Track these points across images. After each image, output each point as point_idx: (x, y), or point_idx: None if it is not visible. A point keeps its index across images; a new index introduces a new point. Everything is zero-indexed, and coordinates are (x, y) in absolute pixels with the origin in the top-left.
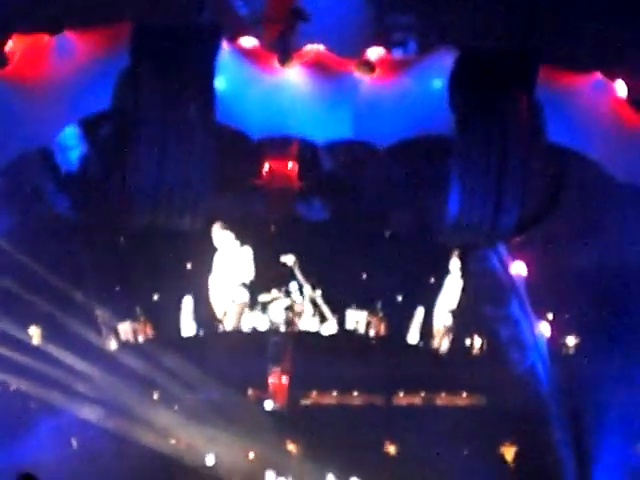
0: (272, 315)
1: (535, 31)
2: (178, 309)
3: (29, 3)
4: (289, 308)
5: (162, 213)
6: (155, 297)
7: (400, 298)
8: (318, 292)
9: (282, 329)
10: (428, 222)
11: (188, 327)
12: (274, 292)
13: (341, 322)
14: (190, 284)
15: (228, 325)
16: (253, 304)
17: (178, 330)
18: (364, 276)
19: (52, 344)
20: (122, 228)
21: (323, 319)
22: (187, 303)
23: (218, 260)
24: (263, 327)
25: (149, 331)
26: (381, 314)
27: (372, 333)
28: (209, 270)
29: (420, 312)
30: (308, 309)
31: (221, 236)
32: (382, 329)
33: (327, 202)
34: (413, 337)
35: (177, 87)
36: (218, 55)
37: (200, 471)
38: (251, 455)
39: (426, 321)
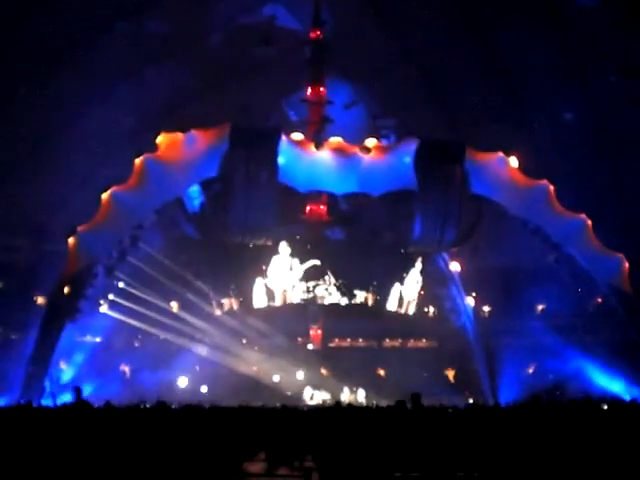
0: (312, 294)
1: (465, 128)
2: (255, 290)
3: (170, 110)
4: (321, 289)
5: (248, 235)
6: (243, 283)
7: (385, 283)
8: (338, 280)
9: (318, 302)
10: (403, 239)
11: (260, 301)
12: (312, 281)
13: (351, 297)
14: (263, 275)
15: (287, 299)
16: (301, 287)
17: (254, 303)
18: (365, 271)
19: (184, 312)
20: (224, 243)
21: (342, 295)
22: (259, 287)
23: (280, 262)
24: (307, 301)
25: (239, 303)
26: (372, 292)
27: (369, 303)
28: (274, 267)
29: (396, 291)
30: (333, 290)
31: (284, 249)
32: (373, 301)
33: (343, 229)
34: (392, 305)
35: (255, 162)
36: (279, 144)
37: (270, 386)
38: (299, 376)
39: (400, 297)
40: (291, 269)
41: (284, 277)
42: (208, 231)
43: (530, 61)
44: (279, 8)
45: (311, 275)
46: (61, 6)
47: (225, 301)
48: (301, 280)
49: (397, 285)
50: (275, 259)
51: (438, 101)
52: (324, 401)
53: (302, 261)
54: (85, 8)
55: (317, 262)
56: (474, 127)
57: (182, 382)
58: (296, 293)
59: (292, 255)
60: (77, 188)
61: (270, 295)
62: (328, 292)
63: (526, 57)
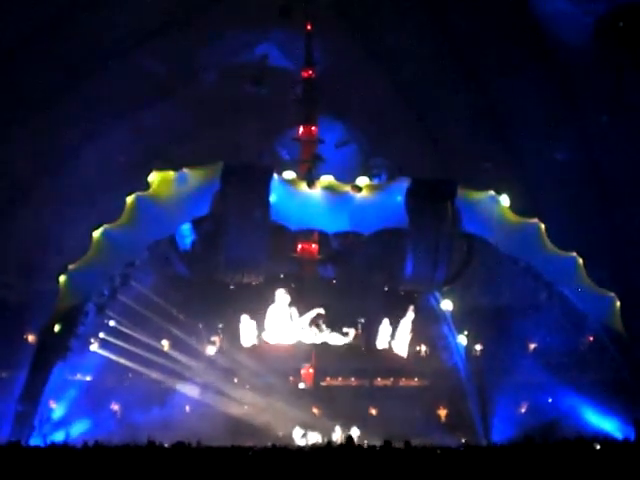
0: (303, 332)
1: (456, 167)
2: (245, 329)
3: (162, 149)
4: (313, 328)
5: (239, 274)
6: (234, 322)
7: (376, 321)
8: (329, 319)
9: (308, 341)
10: (394, 278)
11: (248, 339)
12: (303, 319)
13: (342, 335)
14: (254, 314)
15: (277, 339)
16: (292, 326)
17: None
18: (356, 309)
19: (175, 350)
20: (216, 282)
21: (333, 332)
22: (248, 325)
23: (274, 308)
24: (298, 340)
25: (228, 341)
26: (362, 330)
27: (360, 342)
28: (267, 306)
29: (387, 329)
30: (323, 328)
31: (280, 295)
32: (364, 339)
33: (334, 267)
34: (383, 344)
35: (248, 201)
36: (271, 183)
37: (261, 426)
38: (291, 415)
39: (392, 335)
40: (291, 319)
41: (276, 316)
42: (199, 269)
43: (522, 100)
44: (272, 47)
45: (303, 314)
46: (50, 44)
47: (215, 339)
48: (293, 319)
49: (387, 323)
50: (272, 309)
51: (430, 140)
52: (316, 441)
53: (301, 309)
54: (76, 46)
55: (321, 311)
56: (465, 166)
57: (168, 424)
58: (288, 332)
59: (291, 304)
60: (69, 226)
61: (260, 333)
62: (319, 330)
63: (518, 96)
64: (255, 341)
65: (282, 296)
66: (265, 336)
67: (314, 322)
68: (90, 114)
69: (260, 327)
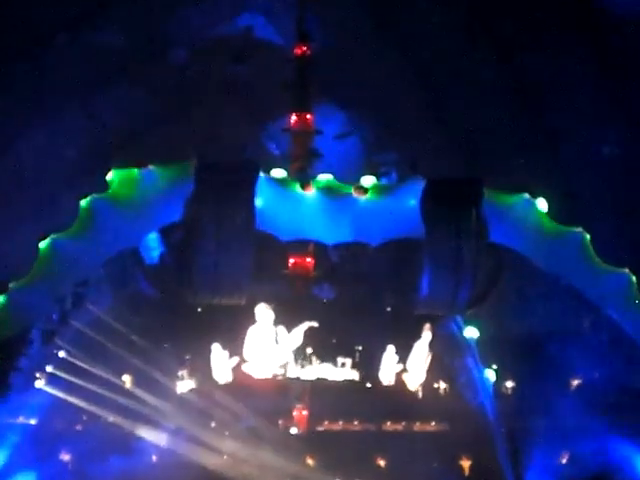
0: (293, 366)
1: (482, 163)
2: (217, 361)
3: (123, 141)
4: (304, 360)
5: (217, 294)
6: (208, 353)
7: (384, 353)
8: (327, 350)
9: (302, 377)
10: (407, 299)
11: (222, 375)
12: (291, 338)
13: (344, 370)
14: (233, 344)
15: (263, 374)
16: (281, 360)
17: (218, 378)
18: (360, 338)
19: (139, 388)
20: (188, 305)
21: (332, 367)
22: (222, 356)
23: (256, 329)
24: (288, 375)
25: (203, 377)
26: (368, 364)
27: (366, 378)
28: (248, 334)
29: (398, 363)
30: (318, 360)
31: (263, 313)
32: (370, 375)
33: (334, 286)
34: (387, 378)
35: (228, 205)
36: (257, 182)
37: None
38: (280, 467)
39: (404, 369)
40: (276, 341)
41: (261, 347)
42: (169, 288)
43: (562, 84)
44: (257, 17)
45: (294, 344)
46: None
47: (186, 374)
48: (282, 351)
49: (392, 352)
50: (253, 330)
51: (449, 131)
52: None
53: (285, 327)
54: (18, 16)
55: (314, 324)
56: (493, 162)
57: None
58: (276, 366)
59: (276, 323)
60: (9, 236)
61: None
62: (313, 363)
63: (558, 79)
64: (231, 375)
65: (264, 313)
66: (245, 367)
67: (303, 351)
68: (31, 100)
69: (236, 357)
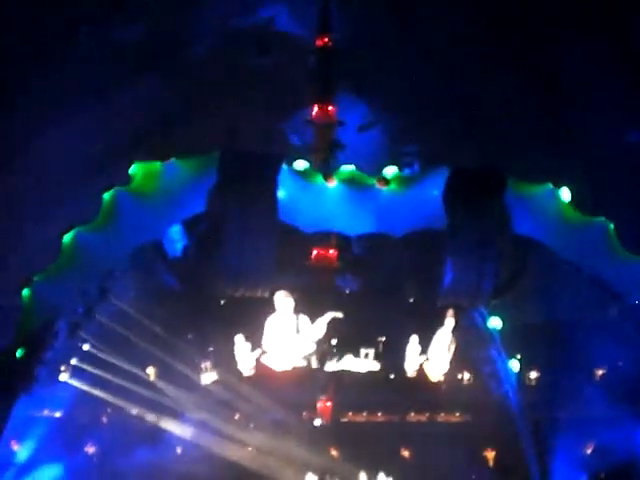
0: (318, 357)
1: (505, 154)
2: (241, 353)
3: (143, 136)
4: (327, 352)
5: (240, 286)
6: (231, 344)
7: (407, 343)
8: (350, 341)
9: (326, 368)
10: (430, 290)
11: (246, 367)
12: (319, 342)
13: (368, 361)
14: (256, 336)
15: (286, 365)
16: (304, 352)
17: (242, 370)
18: (383, 328)
19: (163, 380)
20: (211, 297)
21: (354, 358)
22: (248, 350)
23: (275, 318)
24: (313, 366)
25: (228, 369)
26: (391, 355)
27: (389, 369)
28: (267, 323)
29: (416, 350)
30: (341, 352)
31: (282, 301)
32: (393, 366)
33: (357, 277)
34: (411, 369)
35: (250, 197)
36: (279, 174)
37: (269, 472)
38: (304, 458)
39: (426, 360)
40: (297, 331)
41: (284, 338)
42: (192, 281)
43: (585, 71)
44: (280, 9)
45: (318, 335)
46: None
47: (210, 366)
48: (306, 342)
49: (416, 342)
50: (272, 319)
51: (473, 121)
52: None
53: (309, 318)
54: (35, 13)
55: (337, 315)
56: (517, 153)
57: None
58: (299, 357)
59: (295, 310)
60: (33, 229)
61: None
62: (336, 354)
63: (581, 65)
64: (254, 367)
65: (283, 301)
66: (265, 358)
67: (326, 342)
68: (51, 97)
69: (259, 349)
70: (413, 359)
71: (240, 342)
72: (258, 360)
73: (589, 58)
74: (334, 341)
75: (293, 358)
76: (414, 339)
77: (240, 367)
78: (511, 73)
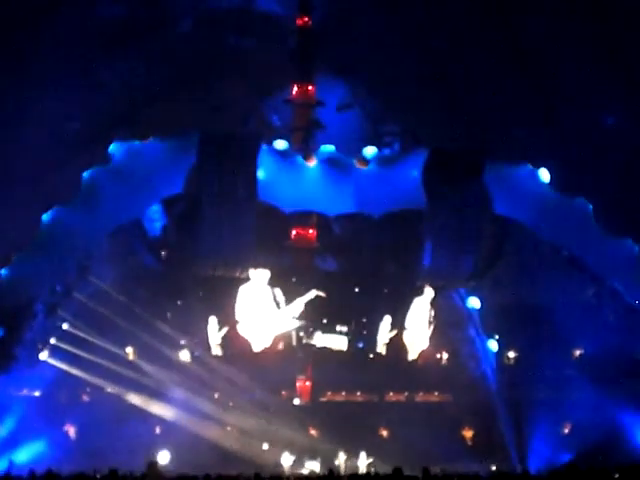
0: (296, 334)
1: (484, 134)
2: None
3: (123, 114)
4: (306, 330)
5: (219, 265)
6: (208, 324)
7: (386, 323)
8: (329, 321)
9: (304, 346)
10: (409, 270)
11: (224, 347)
12: (297, 320)
13: (349, 343)
14: (231, 316)
15: (263, 340)
16: (283, 329)
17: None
18: (362, 309)
19: (142, 360)
20: (190, 276)
21: (332, 338)
22: (224, 329)
23: (250, 290)
24: (293, 344)
25: (205, 348)
26: (371, 335)
27: (369, 348)
28: (240, 292)
29: (386, 330)
30: (319, 329)
31: (257, 272)
32: (373, 346)
33: (336, 257)
34: (396, 351)
35: (230, 177)
36: (259, 154)
37: (247, 451)
38: (283, 437)
39: (405, 340)
40: (278, 306)
41: (260, 316)
42: (172, 260)
43: (564, 52)
44: None
45: (296, 313)
46: None
47: (189, 345)
48: (284, 320)
49: (397, 321)
50: (245, 288)
51: (452, 101)
52: (314, 469)
53: (285, 297)
54: None
55: (316, 294)
56: (496, 133)
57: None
58: (278, 336)
59: (272, 288)
60: (11, 209)
61: (231, 341)
62: (314, 332)
63: (559, 47)
64: (232, 346)
65: (258, 272)
66: (241, 329)
67: (304, 320)
68: (32, 72)
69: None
70: (385, 333)
71: (213, 322)
72: (235, 337)
73: (569, 42)
74: (312, 320)
75: (272, 334)
76: (387, 319)
77: (212, 345)
78: (491, 56)
